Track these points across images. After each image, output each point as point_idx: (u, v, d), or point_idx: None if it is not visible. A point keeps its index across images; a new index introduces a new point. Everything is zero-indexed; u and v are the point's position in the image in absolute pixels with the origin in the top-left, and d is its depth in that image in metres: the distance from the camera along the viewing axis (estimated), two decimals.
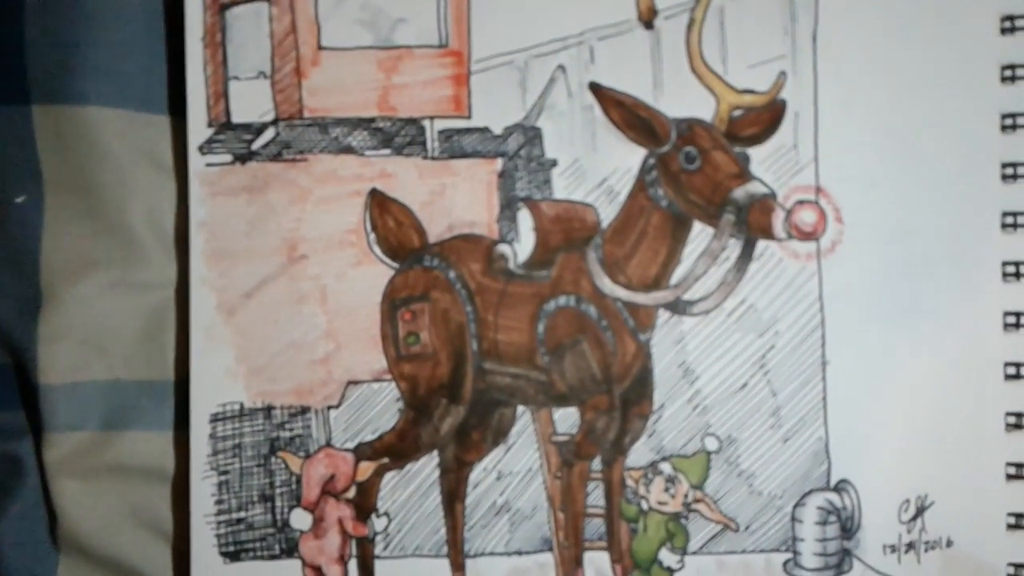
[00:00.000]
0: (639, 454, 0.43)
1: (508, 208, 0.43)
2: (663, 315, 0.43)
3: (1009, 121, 0.43)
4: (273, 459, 0.43)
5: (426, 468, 0.43)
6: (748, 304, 0.43)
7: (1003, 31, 0.43)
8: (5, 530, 0.43)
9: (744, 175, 0.42)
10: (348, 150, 0.43)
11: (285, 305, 0.43)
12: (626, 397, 0.43)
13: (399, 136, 0.43)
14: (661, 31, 0.42)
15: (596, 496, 0.43)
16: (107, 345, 0.44)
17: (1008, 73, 0.42)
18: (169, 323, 0.44)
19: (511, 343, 0.43)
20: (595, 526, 0.44)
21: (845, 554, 0.43)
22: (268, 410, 0.43)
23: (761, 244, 0.42)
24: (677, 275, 0.43)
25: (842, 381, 0.42)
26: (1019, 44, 0.43)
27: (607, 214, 0.43)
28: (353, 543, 0.43)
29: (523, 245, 0.43)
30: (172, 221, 0.44)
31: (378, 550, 0.43)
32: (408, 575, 0.43)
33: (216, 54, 0.43)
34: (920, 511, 0.43)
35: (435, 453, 0.43)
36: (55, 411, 0.43)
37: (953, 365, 0.43)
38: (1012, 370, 0.42)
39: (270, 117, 0.43)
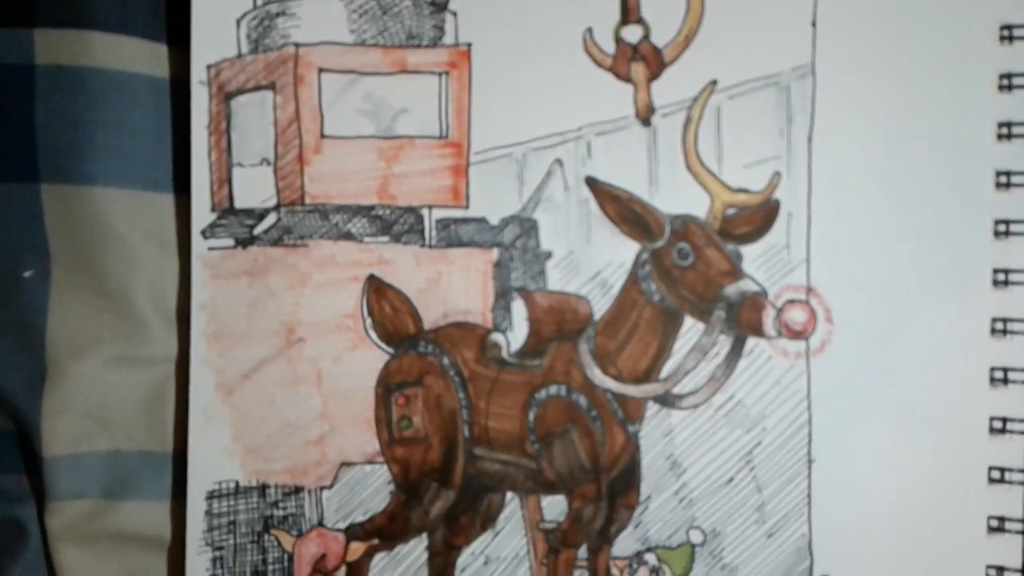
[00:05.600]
0: (625, 544, 0.43)
1: (503, 298, 0.43)
2: (652, 408, 0.43)
3: (1003, 227, 0.43)
4: (266, 537, 0.44)
5: (415, 551, 0.44)
6: (736, 400, 0.43)
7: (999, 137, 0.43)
8: None
9: (736, 273, 0.42)
10: (347, 236, 0.44)
11: (282, 386, 0.44)
12: (613, 487, 0.43)
13: (398, 224, 0.44)
14: (658, 128, 0.43)
15: None
16: (109, 418, 0.44)
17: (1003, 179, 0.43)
18: (169, 396, 0.45)
19: (502, 430, 0.43)
20: None
21: None
22: (263, 488, 0.44)
23: (751, 341, 0.42)
24: (667, 369, 0.43)
25: (827, 479, 0.42)
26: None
27: (600, 307, 0.43)
28: None
29: (516, 334, 0.43)
30: (174, 297, 0.45)
31: None
32: None
33: (221, 141, 0.43)
34: None
35: (424, 536, 0.44)
36: (57, 480, 0.44)
37: (938, 467, 0.42)
38: (996, 474, 0.42)
39: (272, 203, 0.44)
